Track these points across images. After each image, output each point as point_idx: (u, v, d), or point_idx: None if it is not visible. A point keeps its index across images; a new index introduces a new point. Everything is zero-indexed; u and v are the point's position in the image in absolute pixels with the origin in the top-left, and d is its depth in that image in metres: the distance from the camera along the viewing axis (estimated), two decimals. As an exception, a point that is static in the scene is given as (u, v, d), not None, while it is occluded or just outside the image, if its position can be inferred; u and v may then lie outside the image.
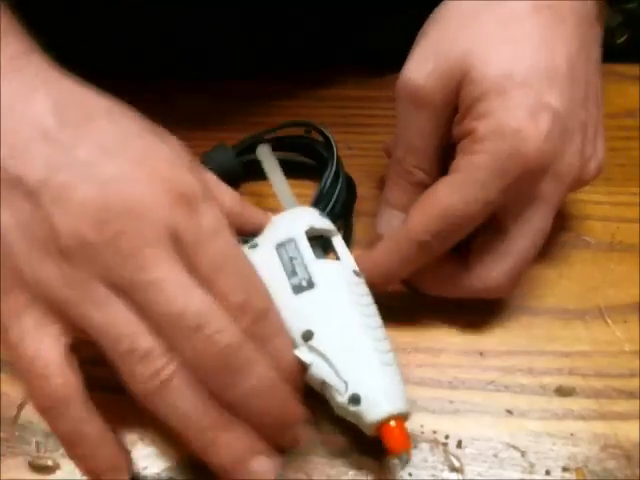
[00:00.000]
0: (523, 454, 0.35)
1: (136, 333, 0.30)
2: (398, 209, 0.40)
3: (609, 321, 0.40)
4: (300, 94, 0.51)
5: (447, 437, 0.36)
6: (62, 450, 0.35)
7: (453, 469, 0.35)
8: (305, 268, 0.35)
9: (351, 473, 0.35)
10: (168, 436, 0.35)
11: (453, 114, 0.38)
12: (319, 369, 0.34)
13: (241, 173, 0.45)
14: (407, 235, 0.37)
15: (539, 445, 0.36)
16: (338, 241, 0.38)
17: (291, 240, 0.36)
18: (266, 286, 0.33)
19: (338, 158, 0.43)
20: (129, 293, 0.30)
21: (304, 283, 0.35)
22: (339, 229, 0.39)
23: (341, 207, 0.42)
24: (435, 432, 0.36)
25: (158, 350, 0.30)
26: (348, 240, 0.42)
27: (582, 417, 0.37)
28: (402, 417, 0.33)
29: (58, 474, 0.35)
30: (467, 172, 0.36)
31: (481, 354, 0.39)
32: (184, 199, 0.31)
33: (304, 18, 0.51)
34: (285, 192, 0.41)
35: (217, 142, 0.46)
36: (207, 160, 0.45)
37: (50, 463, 0.35)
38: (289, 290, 0.35)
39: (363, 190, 0.45)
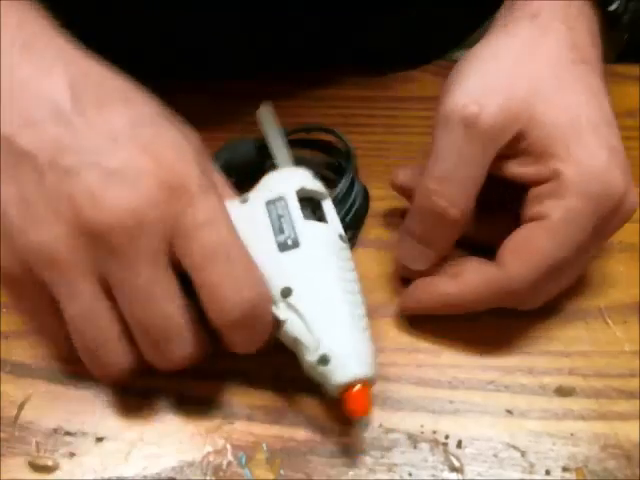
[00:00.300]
0: (523, 454, 0.35)
1: (105, 337, 0.32)
2: (423, 244, 0.39)
3: (609, 321, 0.40)
4: (300, 94, 0.51)
5: (447, 437, 0.36)
6: (62, 450, 0.35)
7: (453, 469, 0.35)
8: (292, 227, 0.35)
9: (351, 473, 0.35)
10: (169, 437, 0.36)
11: (500, 152, 0.37)
12: (293, 326, 0.34)
13: (262, 168, 0.45)
14: (503, 284, 0.36)
15: (539, 445, 0.36)
16: (328, 205, 0.38)
17: (281, 198, 0.36)
18: (253, 245, 0.34)
19: (356, 168, 0.43)
20: (110, 286, 0.32)
21: (290, 242, 0.35)
22: (348, 239, 0.38)
23: (353, 217, 0.42)
24: (435, 432, 0.36)
25: (123, 360, 0.33)
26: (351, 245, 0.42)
27: (582, 417, 0.37)
28: (368, 383, 0.34)
29: (58, 474, 0.35)
30: (564, 218, 0.35)
31: (481, 354, 0.39)
32: (182, 190, 0.32)
33: (304, 18, 0.51)
34: (282, 151, 0.41)
35: (217, 142, 0.45)
36: (228, 152, 0.44)
37: (50, 463, 0.35)
38: (274, 247, 0.35)
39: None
